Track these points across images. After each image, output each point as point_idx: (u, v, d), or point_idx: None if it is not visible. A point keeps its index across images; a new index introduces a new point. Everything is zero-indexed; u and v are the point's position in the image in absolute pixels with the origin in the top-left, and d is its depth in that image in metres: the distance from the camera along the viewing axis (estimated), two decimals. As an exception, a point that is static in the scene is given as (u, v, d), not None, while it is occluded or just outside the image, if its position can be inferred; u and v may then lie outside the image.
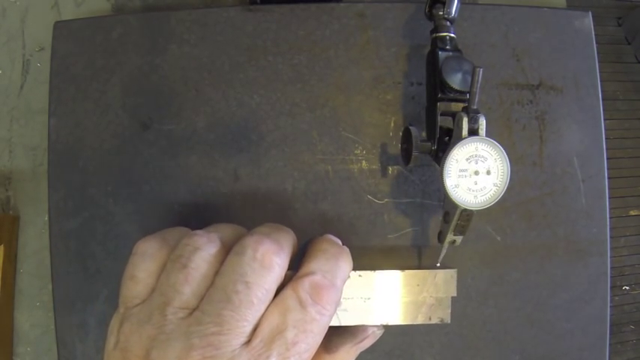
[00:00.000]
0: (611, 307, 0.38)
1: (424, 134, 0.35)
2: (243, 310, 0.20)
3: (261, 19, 0.37)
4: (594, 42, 0.39)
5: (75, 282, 0.36)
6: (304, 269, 0.24)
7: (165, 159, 0.36)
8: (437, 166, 0.31)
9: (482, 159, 0.28)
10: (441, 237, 0.32)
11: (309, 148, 0.37)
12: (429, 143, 0.32)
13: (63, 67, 0.37)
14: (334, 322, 0.28)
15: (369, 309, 0.29)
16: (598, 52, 0.39)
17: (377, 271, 0.30)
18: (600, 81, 0.39)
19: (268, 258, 0.22)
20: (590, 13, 0.40)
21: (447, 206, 0.31)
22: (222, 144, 0.37)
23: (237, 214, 0.36)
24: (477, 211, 0.29)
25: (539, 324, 0.38)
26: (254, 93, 0.37)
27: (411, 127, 0.32)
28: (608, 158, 0.38)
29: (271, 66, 0.37)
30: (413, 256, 0.37)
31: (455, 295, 0.31)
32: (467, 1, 0.41)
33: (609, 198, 0.38)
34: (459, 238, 0.31)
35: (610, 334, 0.38)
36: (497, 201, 0.28)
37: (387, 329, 0.37)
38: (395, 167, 0.37)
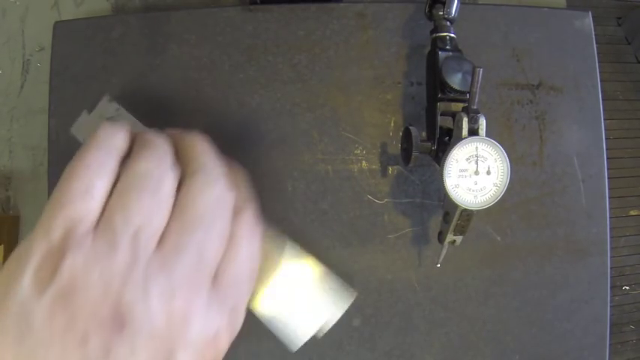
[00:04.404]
0: (611, 307, 0.38)
1: (424, 134, 0.35)
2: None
3: (261, 19, 0.37)
4: (594, 42, 0.39)
5: (75, 282, 0.36)
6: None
7: (166, 159, 0.36)
8: (437, 166, 0.31)
9: (482, 159, 0.28)
10: (441, 237, 0.32)
11: (309, 148, 0.37)
12: (429, 143, 0.32)
13: (63, 67, 0.37)
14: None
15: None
16: (598, 52, 0.39)
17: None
18: (600, 81, 0.39)
19: None
20: (590, 13, 0.40)
21: (447, 206, 0.31)
22: (222, 144, 0.37)
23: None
24: (477, 211, 0.29)
25: (539, 324, 0.38)
26: (254, 93, 0.37)
27: (411, 127, 0.32)
28: (608, 158, 0.38)
29: (271, 66, 0.37)
30: (413, 256, 0.37)
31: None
32: (467, 1, 0.41)
33: (609, 198, 0.38)
34: (459, 238, 0.31)
35: (610, 334, 0.38)
36: (497, 201, 0.28)
37: (387, 329, 0.37)
38: (395, 167, 0.37)
